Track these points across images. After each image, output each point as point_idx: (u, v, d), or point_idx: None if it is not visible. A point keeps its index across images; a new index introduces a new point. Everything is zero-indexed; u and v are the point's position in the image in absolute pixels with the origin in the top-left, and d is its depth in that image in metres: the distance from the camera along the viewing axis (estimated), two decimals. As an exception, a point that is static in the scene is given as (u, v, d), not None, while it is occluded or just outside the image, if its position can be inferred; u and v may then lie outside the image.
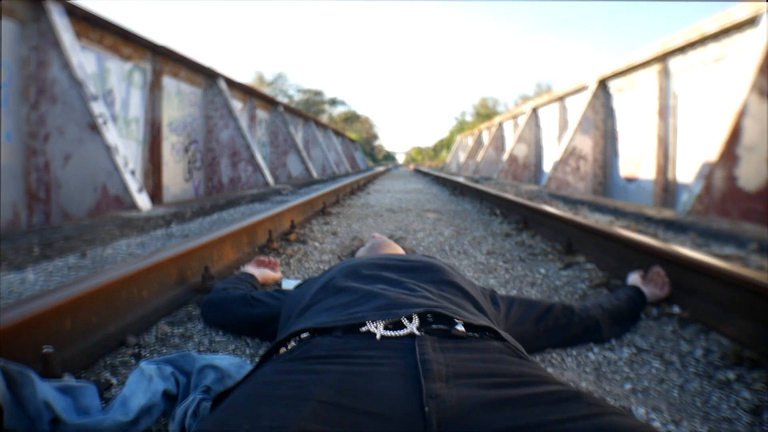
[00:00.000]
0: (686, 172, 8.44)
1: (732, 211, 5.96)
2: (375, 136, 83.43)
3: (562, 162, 11.56)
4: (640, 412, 1.51)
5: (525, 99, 49.61)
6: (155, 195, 9.11)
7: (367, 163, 48.42)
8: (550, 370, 1.80)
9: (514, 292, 2.87)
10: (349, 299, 1.25)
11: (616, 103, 11.26)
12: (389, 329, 1.09)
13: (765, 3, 6.35)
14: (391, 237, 2.55)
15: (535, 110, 16.79)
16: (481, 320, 1.22)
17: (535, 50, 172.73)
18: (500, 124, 22.10)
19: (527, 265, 3.58)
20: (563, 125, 14.36)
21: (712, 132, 6.39)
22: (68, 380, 1.36)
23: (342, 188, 9.45)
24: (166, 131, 9.67)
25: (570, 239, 3.86)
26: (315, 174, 16.98)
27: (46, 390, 1.25)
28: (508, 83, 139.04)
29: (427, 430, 0.78)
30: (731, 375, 1.75)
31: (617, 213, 6.37)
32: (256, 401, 0.87)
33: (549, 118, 15.71)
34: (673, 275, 2.50)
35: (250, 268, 2.75)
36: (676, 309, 2.34)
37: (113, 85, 8.09)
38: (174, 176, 10.13)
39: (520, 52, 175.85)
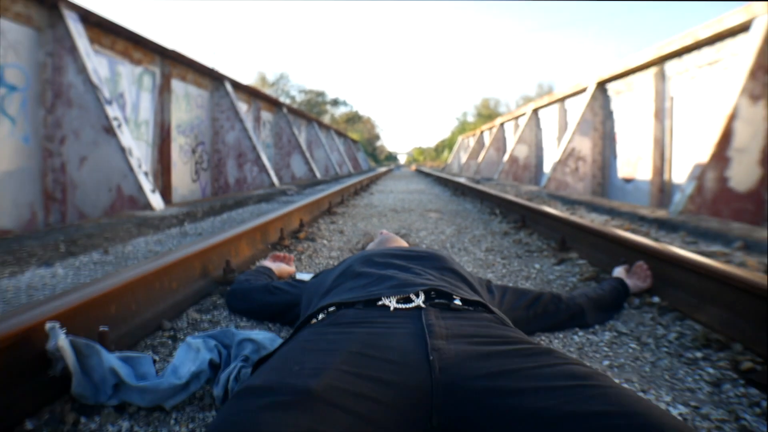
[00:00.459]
0: (681, 173, 8.67)
1: (723, 211, 6.19)
2: (377, 137, 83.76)
3: (561, 163, 11.79)
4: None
5: (526, 100, 49.87)
6: (164, 195, 9.36)
7: (369, 163, 48.68)
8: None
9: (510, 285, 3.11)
10: (366, 281, 1.49)
11: (615, 106, 11.49)
12: (400, 303, 1.33)
13: (756, 11, 6.57)
14: (396, 234, 2.80)
15: (535, 111, 17.02)
16: (475, 297, 1.46)
17: (537, 50, 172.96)
18: (501, 125, 22.33)
19: (523, 261, 3.82)
20: (563, 126, 14.58)
21: (705, 134, 6.62)
22: (127, 352, 1.59)
23: (346, 189, 9.68)
24: (174, 133, 9.92)
25: (564, 237, 4.10)
26: (318, 175, 17.23)
27: (111, 359, 1.49)
28: (510, 84, 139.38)
29: (432, 374, 1.02)
30: (699, 354, 1.98)
31: (613, 213, 6.59)
32: (300, 352, 1.12)
33: (549, 119, 15.94)
34: (655, 269, 2.73)
35: (267, 263, 2.98)
36: (656, 299, 2.58)
37: (124, 89, 8.34)
38: (182, 177, 10.38)
39: (522, 53, 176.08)
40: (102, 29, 7.56)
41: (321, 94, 66.58)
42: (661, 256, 2.74)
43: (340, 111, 70.51)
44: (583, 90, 12.58)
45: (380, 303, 1.34)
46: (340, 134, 32.20)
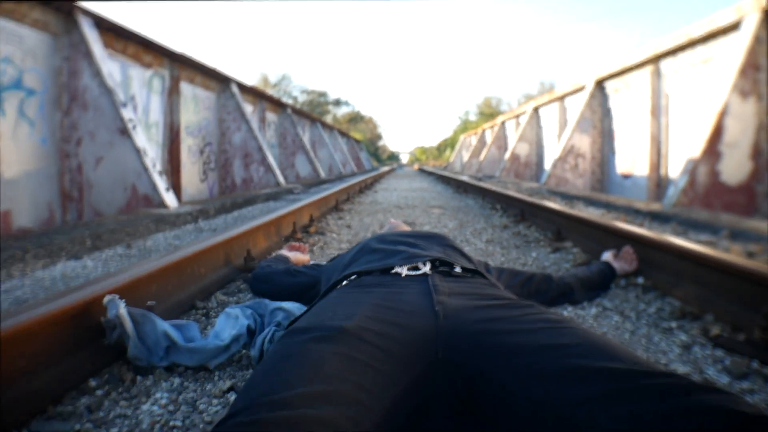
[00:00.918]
0: (676, 169, 8.90)
1: (715, 204, 6.43)
2: (379, 137, 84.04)
3: (561, 160, 12.04)
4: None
5: (528, 98, 50.02)
6: (175, 195, 9.61)
7: (372, 163, 48.95)
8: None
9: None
10: (381, 255, 1.75)
11: (613, 103, 11.73)
12: (410, 271, 1.59)
13: (745, 9, 6.81)
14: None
15: (536, 110, 17.26)
16: (473, 266, 1.72)
17: (539, 49, 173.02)
18: (503, 124, 22.58)
19: (521, 250, 4.07)
20: (563, 124, 14.82)
21: (698, 130, 6.85)
22: (175, 321, 1.85)
23: (351, 187, 9.94)
24: (183, 134, 10.18)
25: (560, 228, 4.35)
26: (323, 174, 17.49)
27: (164, 325, 1.74)
28: (512, 82, 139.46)
29: (437, 320, 1.27)
30: (674, 324, 2.23)
31: (609, 207, 6.84)
32: (332, 306, 1.38)
33: (550, 117, 16.18)
34: (641, 253, 2.98)
35: (284, 252, 3.24)
36: (640, 280, 2.83)
37: (135, 92, 8.61)
38: (190, 177, 10.64)
39: (524, 51, 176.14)
40: (114, 34, 7.82)
41: (323, 94, 66.81)
42: (646, 241, 2.99)
43: (342, 111, 70.78)
44: (582, 88, 12.82)
45: (393, 271, 1.59)
46: (343, 134, 32.45)
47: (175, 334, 1.73)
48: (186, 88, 10.38)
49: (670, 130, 9.40)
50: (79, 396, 1.60)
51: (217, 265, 2.98)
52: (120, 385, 1.68)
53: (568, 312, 2.42)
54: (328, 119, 57.40)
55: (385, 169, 30.73)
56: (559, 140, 13.47)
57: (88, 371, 1.72)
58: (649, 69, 9.90)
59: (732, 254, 2.63)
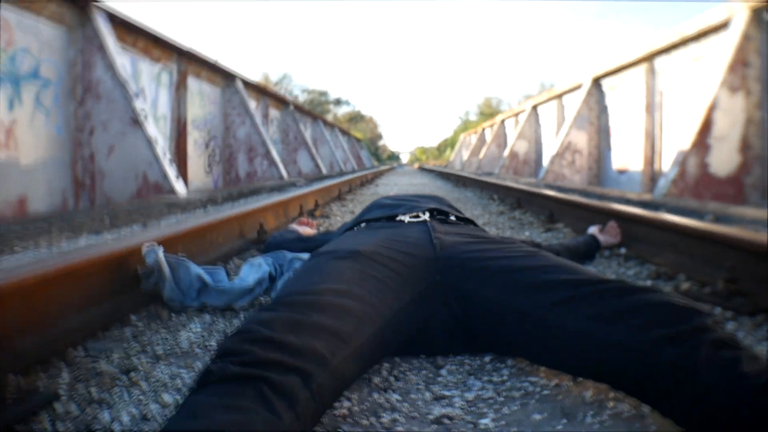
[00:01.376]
0: (669, 163, 9.15)
1: (704, 194, 6.67)
2: (379, 136, 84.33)
3: (559, 156, 12.28)
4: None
5: (528, 98, 50.23)
6: (180, 186, 9.86)
7: (372, 161, 49.20)
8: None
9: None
10: (387, 208, 2.01)
11: (609, 100, 11.97)
12: (412, 218, 1.84)
13: (735, 8, 7.06)
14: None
15: (535, 108, 17.51)
16: (465, 215, 1.98)
17: (539, 50, 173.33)
18: (502, 122, 22.82)
19: (515, 231, 4.32)
20: (561, 122, 15.06)
21: (689, 124, 7.10)
22: (205, 267, 2.10)
23: (353, 180, 10.21)
24: (189, 128, 10.42)
25: (552, 212, 4.60)
26: (324, 170, 17.73)
27: (197, 269, 1.99)
28: (512, 83, 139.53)
29: (435, 251, 1.53)
30: (649, 283, 2.48)
31: (603, 198, 7.08)
32: (347, 238, 1.64)
33: (548, 115, 16.42)
34: (624, 228, 3.24)
35: (294, 226, 3.48)
36: (623, 250, 3.08)
37: (144, 85, 8.85)
38: (196, 170, 10.89)
39: (525, 52, 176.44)
40: (125, 28, 8.07)
41: (324, 93, 67.06)
42: (628, 217, 3.25)
43: (342, 110, 71.05)
44: (580, 86, 13.06)
45: (398, 219, 1.85)
46: (344, 132, 32.70)
47: (206, 277, 1.98)
48: (193, 83, 10.63)
49: (663, 127, 9.65)
50: (123, 327, 1.85)
51: (233, 236, 3.23)
52: (158, 320, 1.93)
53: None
54: (329, 118, 57.62)
55: (386, 167, 31.02)
56: (557, 137, 13.71)
57: (129, 310, 1.97)
58: (644, 67, 10.15)
59: (702, 222, 2.88)
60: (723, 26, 7.40)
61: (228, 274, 2.12)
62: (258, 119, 12.72)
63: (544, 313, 1.30)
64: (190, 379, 1.43)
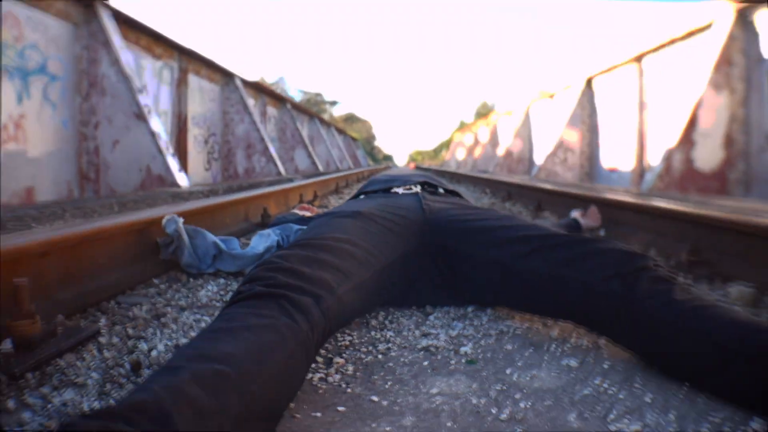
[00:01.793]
0: (657, 159, 9.40)
1: (689, 188, 6.92)
2: (374, 137, 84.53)
3: (552, 154, 12.53)
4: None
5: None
6: (181, 181, 10.07)
7: (368, 161, 49.44)
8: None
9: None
10: (383, 183, 2.23)
11: (601, 100, 12.23)
12: (406, 190, 2.07)
13: (720, 8, 7.31)
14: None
15: (529, 107, 17.75)
16: (452, 188, 2.21)
17: (537, 55, 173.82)
18: (497, 122, 23.07)
19: (505, 218, 4.55)
20: (555, 121, 15.30)
21: (676, 122, 7.34)
22: (221, 237, 2.32)
23: (349, 176, 10.45)
24: (190, 124, 10.63)
25: (540, 202, 4.84)
26: (321, 168, 17.94)
27: (213, 237, 2.22)
28: (510, 88, 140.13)
29: (424, 215, 1.75)
30: (622, 258, 2.71)
31: (591, 191, 7.33)
32: (351, 204, 1.87)
33: (542, 114, 16.66)
34: (605, 213, 3.47)
35: (296, 210, 3.71)
36: (602, 232, 3.31)
37: (147, 81, 9.05)
38: (196, 165, 11.09)
39: (523, 57, 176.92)
40: (128, 26, 8.27)
41: (319, 95, 67.28)
42: (607, 202, 3.49)
43: (338, 111, 71.27)
44: (573, 86, 13.30)
45: (393, 191, 2.07)
46: (340, 131, 32.91)
47: (221, 244, 2.21)
48: (193, 80, 10.84)
49: (653, 125, 9.90)
50: (147, 287, 2.07)
51: (239, 219, 3.46)
52: (178, 283, 2.15)
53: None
54: (325, 117, 57.79)
55: (382, 167, 31.29)
56: (550, 136, 13.95)
57: (151, 274, 2.20)
58: (635, 66, 10.40)
59: (672, 204, 3.11)
60: (710, 26, 7.65)
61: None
62: (256, 117, 12.93)
63: (518, 262, 1.53)
64: (213, 321, 1.66)
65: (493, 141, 22.66)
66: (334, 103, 70.52)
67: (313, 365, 1.30)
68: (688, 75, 8.10)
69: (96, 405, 1.12)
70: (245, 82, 13.45)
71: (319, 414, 1.09)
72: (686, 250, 2.39)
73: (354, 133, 55.39)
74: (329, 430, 1.03)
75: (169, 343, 1.46)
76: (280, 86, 60.38)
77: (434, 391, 1.19)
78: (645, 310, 1.25)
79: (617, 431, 1.01)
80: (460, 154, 33.73)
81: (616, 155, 11.25)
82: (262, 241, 2.26)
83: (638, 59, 10.24)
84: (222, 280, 2.18)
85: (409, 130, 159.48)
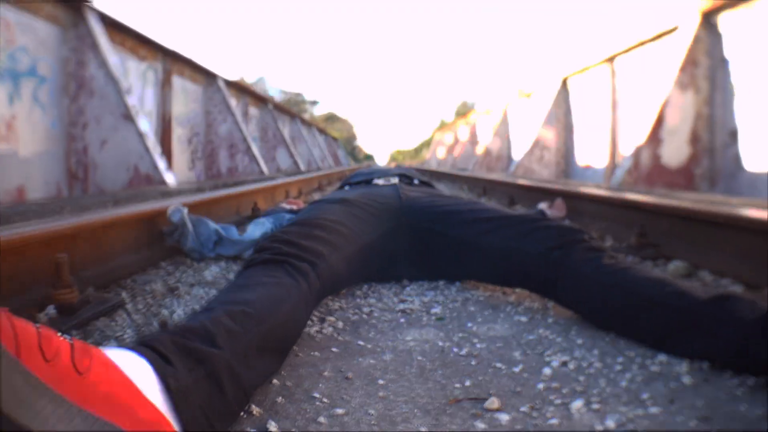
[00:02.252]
0: (626, 156, 9.77)
1: (657, 183, 7.27)
2: (355, 137, 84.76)
3: (529, 152, 12.87)
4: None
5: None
6: (166, 180, 10.26)
7: (349, 161, 49.69)
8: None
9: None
10: (365, 175, 2.51)
11: (576, 99, 12.60)
12: (385, 182, 2.35)
13: (687, 12, 7.67)
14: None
15: (507, 106, 18.12)
16: (427, 179, 2.50)
17: (516, 55, 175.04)
18: (476, 121, 23.43)
19: (480, 211, 4.85)
20: (532, 120, 15.66)
21: (644, 120, 7.69)
22: (221, 224, 2.59)
23: (331, 174, 10.72)
24: (174, 124, 10.83)
25: (512, 197, 5.15)
26: (302, 167, 18.17)
27: (214, 225, 2.48)
28: (489, 88, 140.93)
29: (401, 201, 2.04)
30: (581, 243, 3.01)
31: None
32: (337, 193, 2.14)
33: (520, 113, 17.03)
34: (570, 204, 3.78)
35: (283, 204, 3.98)
36: (567, 222, 3.61)
37: (132, 82, 9.24)
38: (180, 165, 11.28)
39: (502, 57, 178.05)
40: (115, 28, 8.45)
41: (299, 95, 67.37)
42: (572, 195, 3.80)
43: (319, 111, 71.39)
44: (549, 86, 13.67)
45: (374, 182, 2.35)
46: (321, 131, 33.13)
47: (222, 231, 2.47)
48: (177, 81, 11.03)
49: (624, 123, 10.27)
50: (157, 269, 2.33)
51: (231, 212, 3.72)
52: (184, 265, 2.41)
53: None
54: (306, 117, 57.91)
55: (363, 165, 31.58)
56: (528, 134, 14.30)
57: (159, 258, 2.46)
58: (607, 67, 10.77)
59: (625, 195, 3.43)
60: (677, 28, 8.02)
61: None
62: (239, 117, 13.14)
63: (479, 238, 1.82)
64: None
65: (473, 140, 23.01)
66: (314, 103, 70.68)
67: (309, 322, 1.57)
68: (657, 75, 8.46)
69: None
70: (228, 83, 13.65)
71: (317, 353, 1.37)
72: (635, 234, 2.69)
73: (335, 133, 55.54)
74: (326, 363, 1.31)
75: (187, 310, 1.73)
76: (260, 86, 60.42)
77: (408, 338, 1.48)
78: (580, 273, 1.54)
79: (550, 361, 1.29)
80: (441, 153, 34.06)
81: (590, 153, 11.63)
82: (258, 228, 2.53)
83: (610, 60, 10.61)
84: (223, 263, 2.44)
85: (390, 130, 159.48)
